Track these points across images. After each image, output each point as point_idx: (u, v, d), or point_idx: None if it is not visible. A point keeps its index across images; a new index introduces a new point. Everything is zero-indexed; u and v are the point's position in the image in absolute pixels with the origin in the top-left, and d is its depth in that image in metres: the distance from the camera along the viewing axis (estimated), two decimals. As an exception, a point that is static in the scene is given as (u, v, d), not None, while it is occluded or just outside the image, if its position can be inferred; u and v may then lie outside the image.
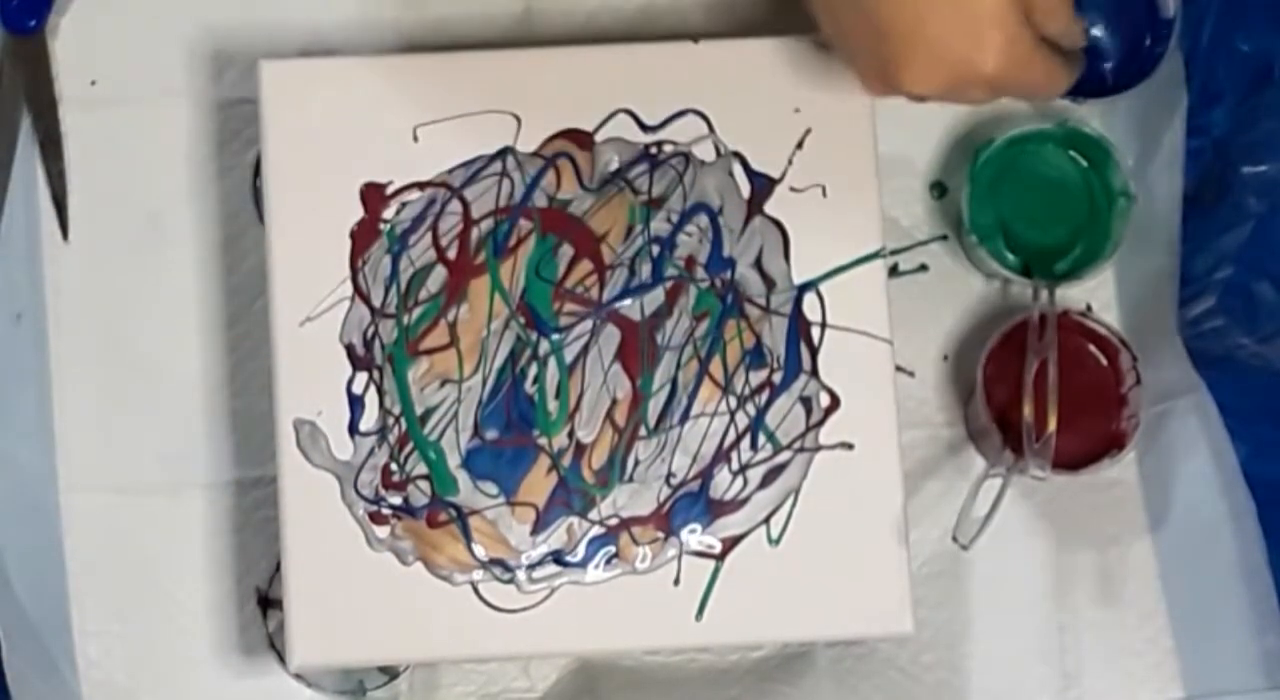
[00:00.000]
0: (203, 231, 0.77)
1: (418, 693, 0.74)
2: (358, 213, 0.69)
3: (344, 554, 0.67)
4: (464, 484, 0.68)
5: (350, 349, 0.68)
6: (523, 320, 0.68)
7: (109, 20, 0.77)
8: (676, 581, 0.67)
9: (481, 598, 0.67)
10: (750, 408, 0.68)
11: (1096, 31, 0.75)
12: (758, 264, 0.69)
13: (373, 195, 0.69)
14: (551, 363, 0.68)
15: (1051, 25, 0.60)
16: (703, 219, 0.69)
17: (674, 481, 0.68)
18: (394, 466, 0.68)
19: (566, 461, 0.68)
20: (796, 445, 0.68)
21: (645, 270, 0.69)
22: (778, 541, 0.68)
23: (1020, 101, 0.76)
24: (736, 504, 0.68)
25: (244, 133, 0.76)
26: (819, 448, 0.68)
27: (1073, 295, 0.76)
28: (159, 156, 0.77)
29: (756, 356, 0.69)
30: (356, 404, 0.68)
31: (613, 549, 0.68)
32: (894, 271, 0.76)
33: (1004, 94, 0.60)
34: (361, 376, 0.68)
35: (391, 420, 0.68)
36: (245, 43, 0.77)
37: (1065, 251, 0.75)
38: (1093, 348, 0.73)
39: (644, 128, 0.69)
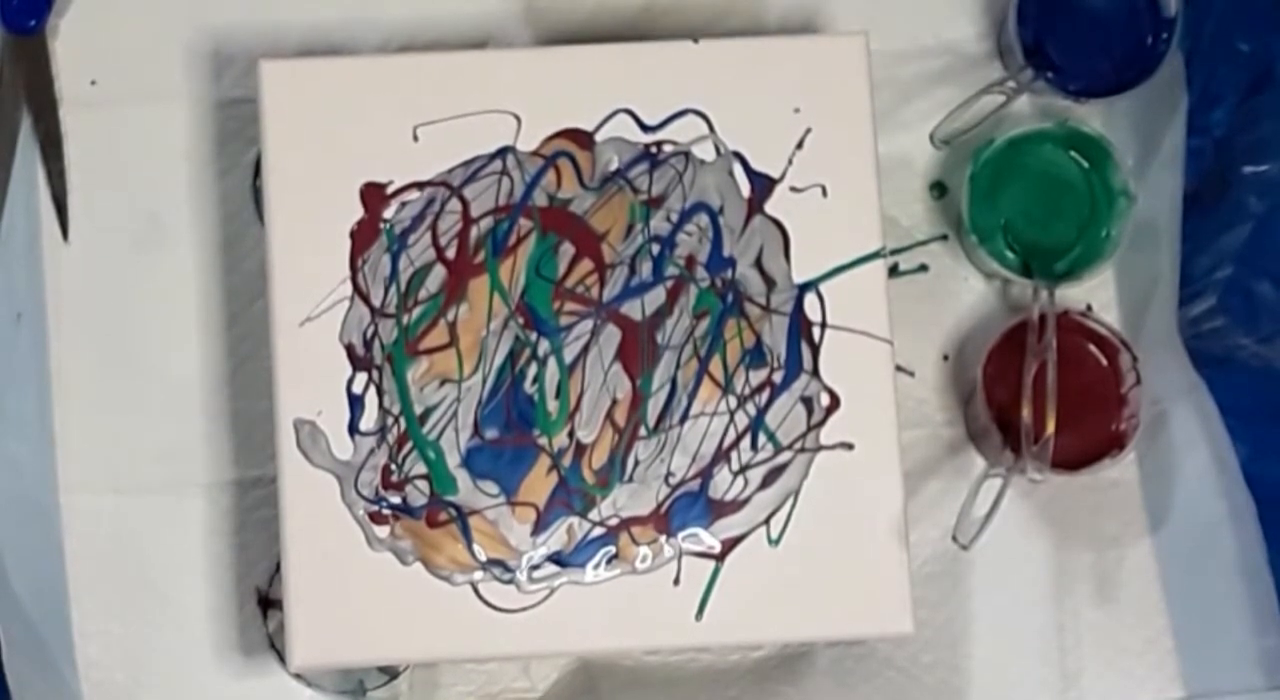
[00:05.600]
0: (203, 231, 0.77)
1: (418, 693, 0.74)
2: (358, 212, 0.69)
3: (344, 554, 0.67)
4: (463, 483, 0.68)
5: (350, 349, 0.68)
6: (521, 320, 0.68)
7: (109, 20, 0.77)
8: (676, 582, 0.67)
9: (481, 598, 0.67)
10: (750, 407, 0.68)
11: (1098, 31, 0.74)
12: (758, 263, 0.69)
13: (373, 195, 0.69)
14: (551, 362, 0.68)
15: None
16: (703, 218, 0.69)
17: (673, 481, 0.68)
18: (393, 466, 0.68)
19: (567, 461, 0.68)
20: (797, 445, 0.68)
21: (646, 269, 0.69)
22: (778, 542, 0.68)
23: (1020, 101, 0.76)
24: (737, 504, 0.68)
25: (244, 133, 0.76)
26: (819, 448, 0.68)
27: (1073, 295, 0.76)
28: (159, 156, 0.77)
29: (756, 356, 0.69)
30: (356, 404, 0.68)
31: (613, 549, 0.68)
32: (894, 271, 0.76)
33: None
34: (361, 376, 0.68)
35: (391, 420, 0.68)
36: (245, 43, 0.77)
37: (1065, 251, 0.75)
38: (1093, 348, 0.73)
39: (644, 127, 0.69)
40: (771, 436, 0.68)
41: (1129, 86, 0.73)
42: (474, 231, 0.69)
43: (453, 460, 0.68)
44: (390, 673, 0.73)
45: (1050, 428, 0.69)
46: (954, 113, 0.74)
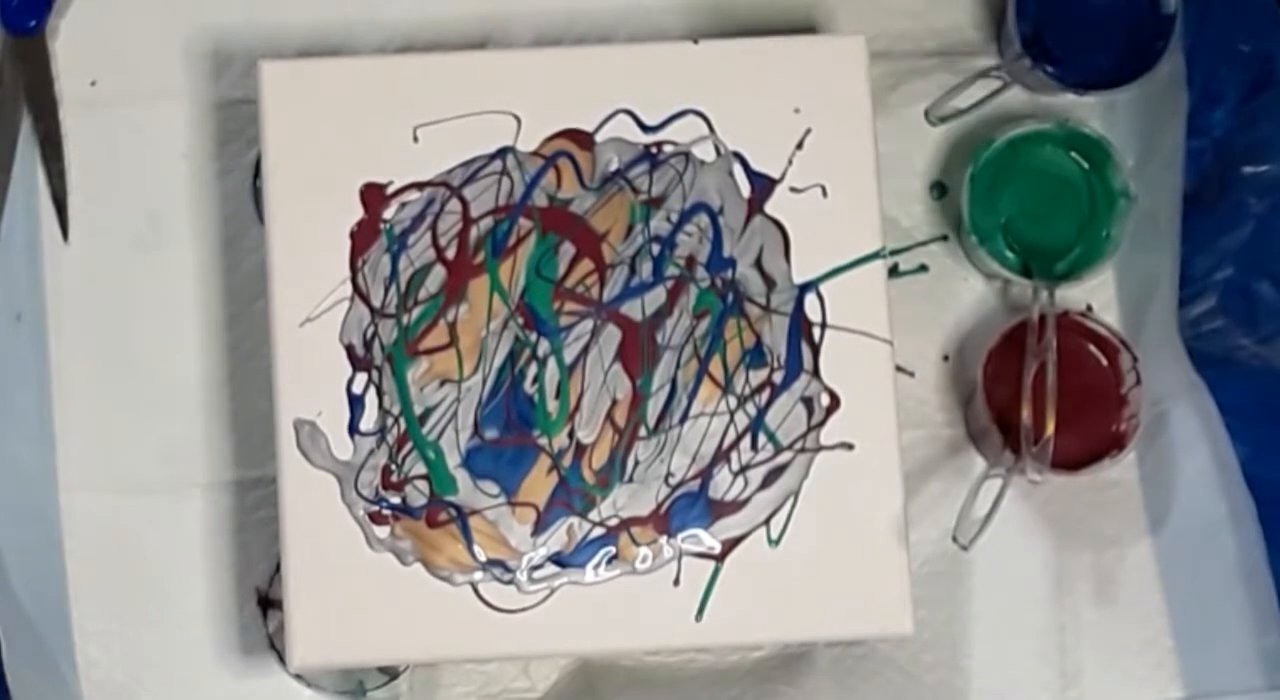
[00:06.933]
0: (203, 231, 0.77)
1: (418, 693, 0.74)
2: (358, 213, 0.69)
3: (344, 554, 0.67)
4: (463, 483, 0.68)
5: (350, 349, 0.68)
6: (521, 320, 0.68)
7: (109, 20, 0.77)
8: (676, 582, 0.67)
9: (481, 598, 0.67)
10: (750, 408, 0.68)
11: (1097, 25, 0.74)
12: (758, 264, 0.69)
13: (373, 195, 0.69)
14: (551, 362, 0.68)
15: None
16: (703, 218, 0.69)
17: (673, 481, 0.68)
18: (393, 467, 0.68)
19: (567, 462, 0.68)
20: (797, 445, 0.68)
21: (646, 269, 0.69)
22: (777, 542, 0.68)
23: (1021, 100, 0.76)
24: (737, 505, 0.68)
25: (244, 133, 0.76)
26: (819, 448, 0.68)
27: (1073, 295, 0.76)
28: (159, 156, 0.77)
29: (756, 356, 0.69)
30: (356, 404, 0.68)
31: (613, 549, 0.68)
32: (894, 271, 0.76)
33: None
34: (361, 377, 0.68)
35: (391, 420, 0.68)
36: (245, 43, 0.77)
37: (1065, 251, 0.75)
38: (1093, 348, 0.73)
39: (644, 128, 0.69)
40: (771, 437, 0.68)
41: (1126, 81, 0.73)
42: (474, 231, 0.69)
43: (453, 460, 0.68)
44: (390, 673, 0.73)
45: (1050, 428, 0.69)
46: (952, 91, 0.74)
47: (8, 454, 0.75)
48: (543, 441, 0.68)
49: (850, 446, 0.68)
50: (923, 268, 0.77)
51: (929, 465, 0.76)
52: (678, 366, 0.68)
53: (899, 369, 0.72)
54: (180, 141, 0.77)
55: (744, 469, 0.68)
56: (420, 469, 0.68)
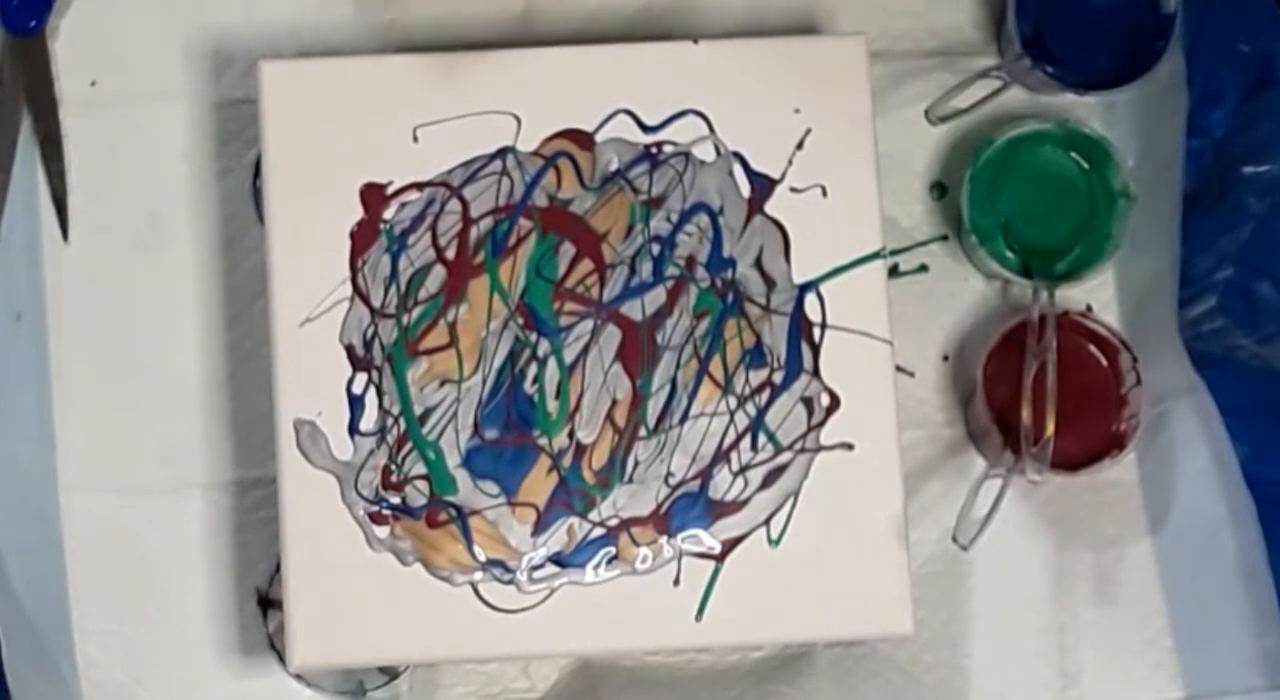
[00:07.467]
0: (203, 231, 0.77)
1: (418, 693, 0.74)
2: (358, 213, 0.69)
3: (344, 554, 0.67)
4: (463, 484, 0.68)
5: (350, 349, 0.68)
6: (521, 320, 0.68)
7: (109, 20, 0.77)
8: (676, 582, 0.68)
9: (481, 598, 0.67)
10: (750, 408, 0.68)
11: (1097, 25, 0.74)
12: (758, 264, 0.69)
13: (373, 195, 0.69)
14: (551, 363, 0.68)
15: None
16: (703, 218, 0.69)
17: (673, 481, 0.68)
18: (393, 467, 0.68)
19: (567, 462, 0.68)
20: (797, 446, 0.68)
21: (646, 269, 0.69)
22: (778, 542, 0.68)
23: (1021, 100, 0.76)
24: (737, 505, 0.68)
25: (244, 133, 0.76)
26: (819, 448, 0.68)
27: (1073, 295, 0.76)
28: (159, 156, 0.77)
29: (756, 356, 0.69)
30: (356, 404, 0.68)
31: (613, 550, 0.68)
32: (894, 272, 0.76)
33: None
34: (361, 377, 0.68)
35: (391, 420, 0.68)
36: (245, 43, 0.77)
37: (1065, 252, 0.75)
38: (1093, 348, 0.73)
39: (644, 128, 0.69)
40: (771, 437, 0.68)
41: (1126, 81, 0.73)
42: (474, 232, 0.69)
43: (453, 460, 0.68)
44: (390, 673, 0.73)
45: (1050, 428, 0.69)
46: (952, 91, 0.74)
47: (8, 454, 0.75)
48: (543, 441, 0.68)
49: (850, 446, 0.68)
50: (923, 268, 0.77)
51: (929, 465, 0.76)
52: (678, 366, 0.68)
53: (899, 369, 0.72)
54: (180, 141, 0.77)
55: (744, 469, 0.68)
56: (420, 469, 0.68)
